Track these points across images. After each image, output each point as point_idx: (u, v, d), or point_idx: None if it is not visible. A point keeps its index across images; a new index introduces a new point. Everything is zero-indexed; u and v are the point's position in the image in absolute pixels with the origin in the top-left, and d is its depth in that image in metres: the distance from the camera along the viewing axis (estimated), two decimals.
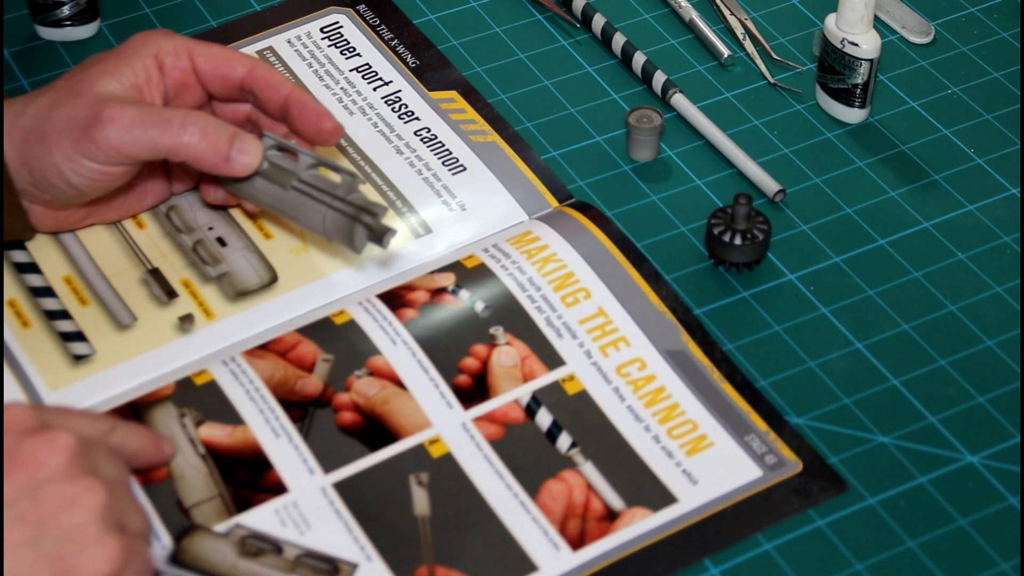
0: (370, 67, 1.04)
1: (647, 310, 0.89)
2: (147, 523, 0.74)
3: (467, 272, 0.90)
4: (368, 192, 0.96)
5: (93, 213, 0.91)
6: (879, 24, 1.08)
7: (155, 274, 0.91)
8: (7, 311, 0.89)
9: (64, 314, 0.89)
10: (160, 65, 0.87)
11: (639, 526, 0.80)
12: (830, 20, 1.00)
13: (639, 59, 1.04)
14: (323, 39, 1.05)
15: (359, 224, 0.84)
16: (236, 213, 0.94)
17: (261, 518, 0.80)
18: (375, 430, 0.84)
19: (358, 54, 1.05)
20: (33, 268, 0.91)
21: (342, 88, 1.02)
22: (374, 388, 0.85)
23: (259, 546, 0.78)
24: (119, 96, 0.84)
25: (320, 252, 0.92)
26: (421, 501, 0.81)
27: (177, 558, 0.77)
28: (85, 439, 0.72)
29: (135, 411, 0.84)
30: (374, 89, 1.02)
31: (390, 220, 0.94)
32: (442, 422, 0.84)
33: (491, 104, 1.02)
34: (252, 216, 0.94)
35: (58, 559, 0.69)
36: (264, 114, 0.89)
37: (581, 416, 0.85)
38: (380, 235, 0.84)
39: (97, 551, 0.70)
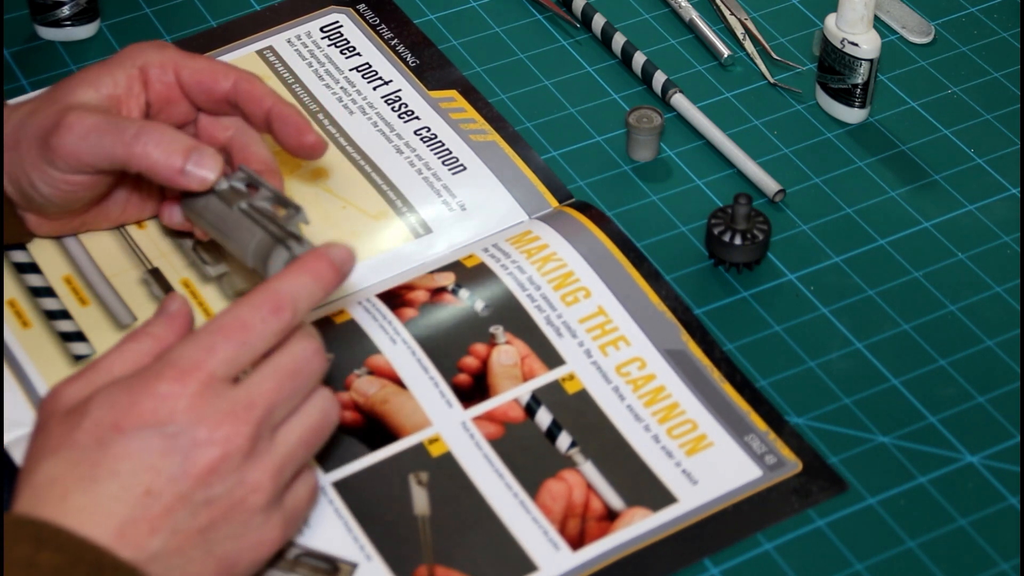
0: (370, 66, 1.04)
1: (647, 309, 0.89)
2: None
3: (467, 271, 0.90)
4: (366, 194, 0.96)
5: (89, 221, 0.91)
6: (879, 24, 1.08)
7: (155, 274, 0.91)
8: (7, 311, 0.89)
9: (64, 314, 0.89)
10: (144, 78, 0.85)
11: (639, 526, 0.80)
12: (830, 20, 1.00)
13: (639, 59, 1.04)
14: (323, 38, 1.05)
15: (282, 247, 0.79)
16: None
17: None
18: (375, 429, 0.84)
19: (358, 53, 1.04)
20: (33, 268, 0.91)
21: (342, 87, 1.02)
22: (374, 387, 0.85)
23: None
24: (91, 105, 0.84)
25: None
26: (421, 500, 0.81)
27: None
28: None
29: None
30: (374, 88, 1.02)
31: (388, 222, 0.94)
32: (442, 421, 0.84)
33: (491, 104, 1.02)
34: None
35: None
36: (251, 125, 0.87)
37: (581, 415, 0.85)
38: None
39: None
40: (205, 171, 0.81)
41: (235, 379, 0.72)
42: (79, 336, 0.88)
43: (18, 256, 0.92)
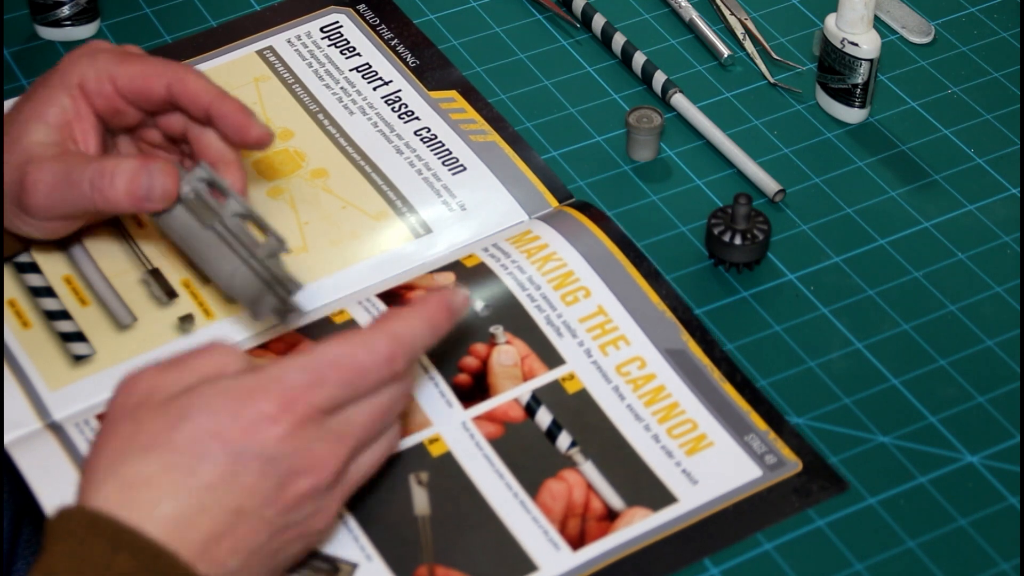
0: (370, 67, 1.04)
1: (647, 309, 0.89)
2: None
3: (467, 271, 0.90)
4: (366, 194, 0.96)
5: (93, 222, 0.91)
6: (879, 24, 1.08)
7: (155, 274, 0.91)
8: (7, 311, 0.89)
9: (64, 314, 0.89)
10: (85, 93, 0.84)
11: (639, 526, 0.80)
12: (830, 20, 1.00)
13: (639, 59, 1.04)
14: (323, 39, 1.05)
15: (269, 293, 0.79)
16: None
17: None
18: None
19: (358, 54, 1.04)
20: (33, 268, 0.91)
21: (342, 88, 1.02)
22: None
23: None
24: (46, 145, 0.83)
25: (320, 252, 0.92)
26: (421, 500, 0.81)
27: None
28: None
29: None
30: (374, 89, 1.02)
31: (388, 222, 0.94)
32: (442, 421, 0.84)
33: (491, 104, 1.02)
34: None
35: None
36: (193, 122, 0.86)
37: (581, 415, 0.85)
38: (285, 313, 0.79)
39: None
40: (159, 187, 0.80)
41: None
42: (79, 336, 0.88)
43: (18, 256, 0.91)
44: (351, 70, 1.03)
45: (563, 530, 0.80)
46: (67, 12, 1.05)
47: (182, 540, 0.68)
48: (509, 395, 0.85)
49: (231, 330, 0.88)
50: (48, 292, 0.90)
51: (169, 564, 0.67)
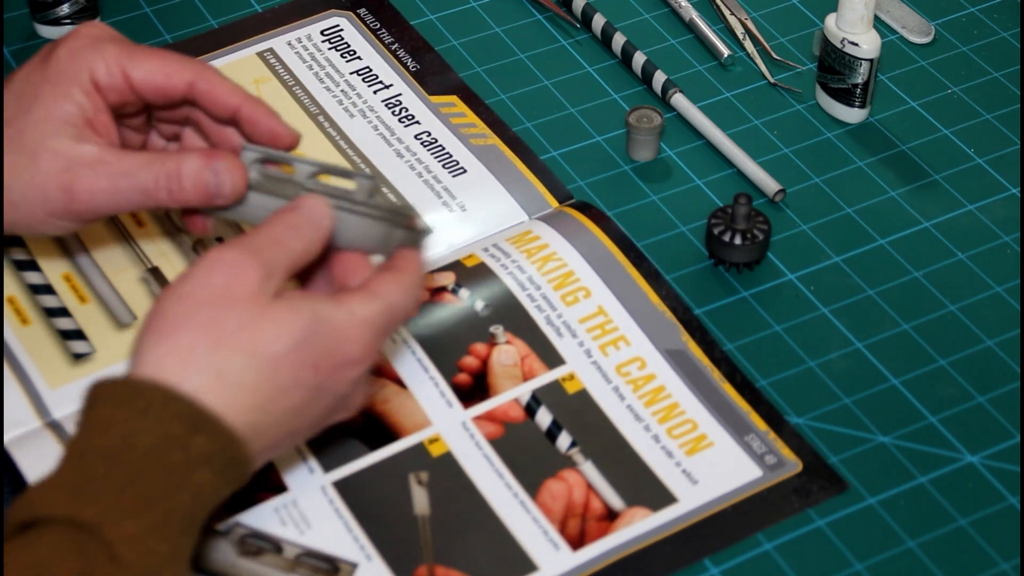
0: (370, 70, 1.04)
1: (647, 309, 0.89)
2: None
3: (467, 271, 0.90)
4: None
5: None
6: (879, 24, 1.08)
7: (155, 273, 0.91)
8: (7, 308, 0.89)
9: (64, 312, 0.89)
10: (97, 86, 0.80)
11: (639, 526, 0.80)
12: (830, 20, 1.00)
13: (639, 59, 1.04)
14: (323, 42, 1.05)
15: (394, 229, 0.76)
16: None
17: (261, 517, 0.80)
18: (375, 429, 0.84)
19: (358, 57, 1.05)
20: (33, 265, 0.91)
21: (342, 91, 1.02)
22: (374, 387, 0.85)
23: (259, 545, 0.78)
24: (80, 148, 0.79)
25: None
26: (421, 500, 0.81)
27: None
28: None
29: None
30: (374, 92, 1.02)
31: None
32: (442, 421, 0.84)
33: (491, 105, 1.02)
34: None
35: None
36: (212, 119, 0.83)
37: (581, 415, 0.85)
38: (417, 238, 0.77)
39: None
40: (229, 187, 0.78)
41: None
42: (79, 334, 0.88)
43: (18, 253, 0.92)
44: (351, 73, 1.03)
45: (563, 530, 0.80)
46: (67, 10, 1.05)
47: (253, 447, 0.71)
48: (509, 395, 0.85)
49: None
50: (47, 289, 0.90)
51: (241, 455, 0.70)
